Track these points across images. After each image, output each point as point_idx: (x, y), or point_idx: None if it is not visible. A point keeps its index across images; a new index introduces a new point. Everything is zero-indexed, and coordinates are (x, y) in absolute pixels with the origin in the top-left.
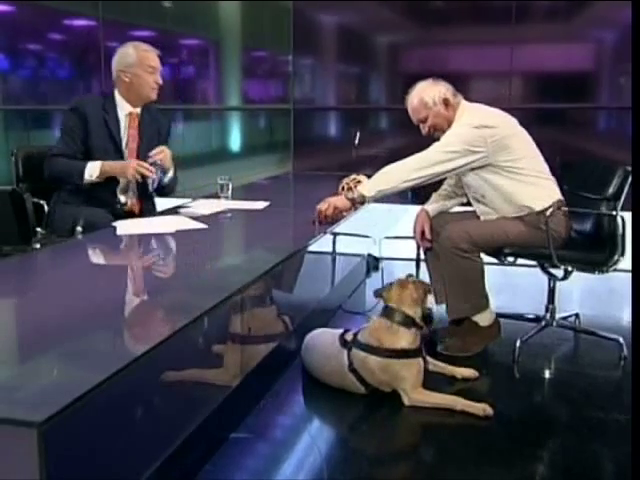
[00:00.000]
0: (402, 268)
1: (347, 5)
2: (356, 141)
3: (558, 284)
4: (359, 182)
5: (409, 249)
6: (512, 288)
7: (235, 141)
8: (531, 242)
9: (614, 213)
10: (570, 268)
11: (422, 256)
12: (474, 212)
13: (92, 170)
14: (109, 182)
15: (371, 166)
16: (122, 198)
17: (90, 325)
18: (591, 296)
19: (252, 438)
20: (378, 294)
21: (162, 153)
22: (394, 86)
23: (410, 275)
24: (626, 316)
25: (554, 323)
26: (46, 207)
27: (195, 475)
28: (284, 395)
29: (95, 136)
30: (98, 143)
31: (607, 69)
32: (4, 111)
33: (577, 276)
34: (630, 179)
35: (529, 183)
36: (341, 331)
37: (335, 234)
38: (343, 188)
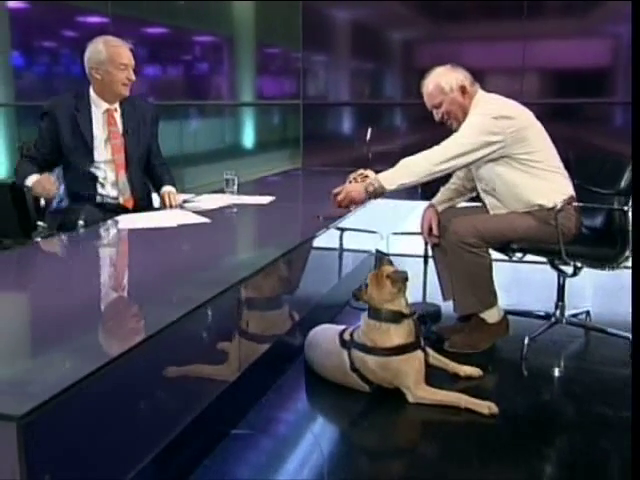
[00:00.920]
0: (411, 264)
1: (360, 1)
2: (368, 137)
3: (568, 281)
4: (366, 177)
5: (417, 245)
6: (521, 285)
7: (249, 137)
8: (540, 237)
9: (625, 208)
10: (580, 264)
11: (430, 252)
12: (482, 207)
13: (30, 182)
14: (92, 180)
15: (382, 162)
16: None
17: (81, 319)
18: (601, 293)
19: (253, 434)
20: (356, 297)
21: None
22: (406, 82)
23: (376, 265)
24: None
25: (564, 320)
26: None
27: (192, 471)
28: (286, 391)
29: (66, 136)
30: (68, 142)
31: (622, 64)
32: (17, 107)
33: (587, 273)
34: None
35: (542, 178)
36: (341, 328)
37: (342, 229)
38: (350, 182)
